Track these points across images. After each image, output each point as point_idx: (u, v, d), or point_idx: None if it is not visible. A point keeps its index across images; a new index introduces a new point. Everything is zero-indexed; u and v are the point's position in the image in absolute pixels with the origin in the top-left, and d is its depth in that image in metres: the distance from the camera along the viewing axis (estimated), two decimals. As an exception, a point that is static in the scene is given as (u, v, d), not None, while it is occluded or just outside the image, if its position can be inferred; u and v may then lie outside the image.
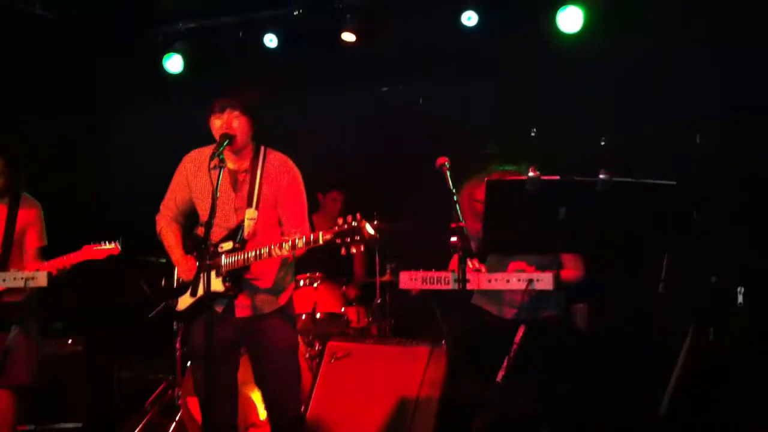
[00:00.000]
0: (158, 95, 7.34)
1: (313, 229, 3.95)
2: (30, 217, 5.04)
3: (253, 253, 3.96)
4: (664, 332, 4.54)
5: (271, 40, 6.89)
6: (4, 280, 4.53)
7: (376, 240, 3.73)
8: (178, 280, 4.29)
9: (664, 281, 4.55)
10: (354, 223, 3.69)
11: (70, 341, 6.06)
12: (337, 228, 3.71)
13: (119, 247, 4.98)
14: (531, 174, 3.30)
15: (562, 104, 6.04)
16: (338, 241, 3.71)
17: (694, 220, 4.43)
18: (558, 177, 3.33)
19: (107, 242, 4.99)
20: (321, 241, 3.77)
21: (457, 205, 3.68)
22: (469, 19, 6.30)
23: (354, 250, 3.71)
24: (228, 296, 4.08)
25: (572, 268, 4.10)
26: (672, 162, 5.24)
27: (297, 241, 3.82)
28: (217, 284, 4.04)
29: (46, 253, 5.05)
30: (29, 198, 5.11)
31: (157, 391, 6.08)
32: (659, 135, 5.54)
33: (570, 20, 5.97)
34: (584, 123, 5.65)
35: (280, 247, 3.85)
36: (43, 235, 5.10)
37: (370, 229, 3.69)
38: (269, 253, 3.90)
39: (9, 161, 4.93)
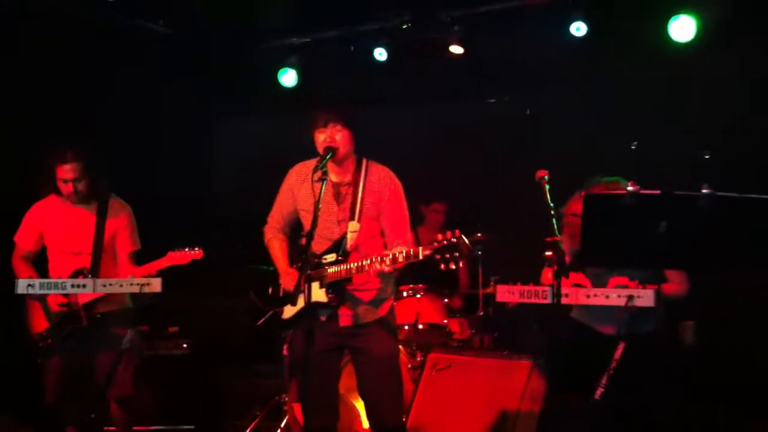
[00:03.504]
0: (271, 107, 7.57)
1: (417, 242, 3.98)
2: (119, 222, 5.00)
3: (355, 266, 4.02)
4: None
5: (380, 54, 7.00)
6: (121, 285, 4.50)
7: (475, 254, 3.71)
8: (284, 290, 4.36)
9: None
10: (453, 239, 3.69)
11: (185, 345, 6.26)
12: (436, 244, 3.73)
13: (202, 251, 5.00)
14: (630, 188, 3.23)
15: (668, 115, 5.88)
16: (437, 257, 3.72)
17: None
18: (658, 191, 3.25)
19: (191, 248, 4.99)
20: (420, 257, 3.80)
21: (554, 219, 3.64)
22: (578, 29, 6.24)
23: (453, 267, 3.72)
24: (330, 306, 4.16)
25: (676, 283, 3.98)
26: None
27: (397, 255, 3.86)
28: (320, 295, 4.12)
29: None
30: (118, 202, 5.08)
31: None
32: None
33: (682, 29, 5.83)
34: (688, 135, 5.49)
35: (381, 262, 3.90)
36: (135, 239, 5.07)
37: (468, 244, 3.67)
38: (370, 267, 3.95)
39: (88, 166, 4.88)
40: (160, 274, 4.84)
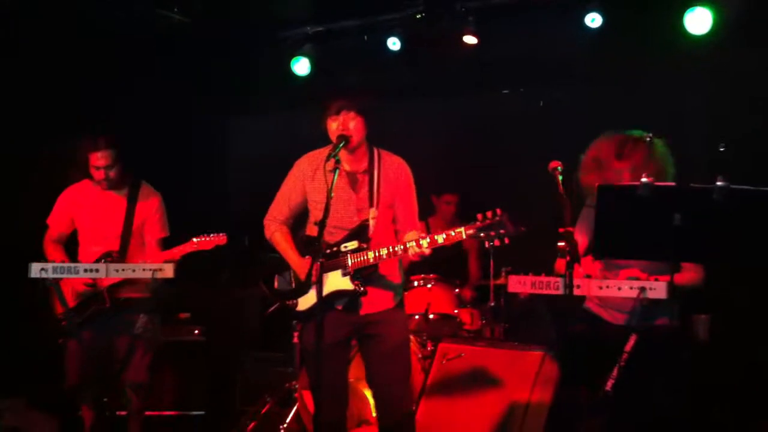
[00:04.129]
0: (284, 97, 7.57)
1: (428, 232, 3.97)
2: (149, 209, 5.07)
3: (386, 251, 3.98)
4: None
5: (394, 43, 6.98)
6: (133, 271, 4.53)
7: (522, 232, 3.72)
8: (296, 281, 4.32)
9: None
10: (497, 218, 3.70)
11: (196, 331, 6.29)
12: (479, 223, 3.73)
13: (226, 237, 5.04)
14: (644, 180, 3.22)
15: (683, 108, 5.85)
16: (482, 235, 3.73)
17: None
18: (673, 183, 3.25)
19: (214, 233, 5.04)
20: (464, 236, 3.79)
21: (567, 211, 3.64)
22: (593, 21, 6.21)
23: (498, 244, 3.73)
24: (357, 294, 4.11)
25: (691, 271, 3.95)
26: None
27: (437, 237, 3.84)
28: (344, 283, 4.10)
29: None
30: (149, 188, 5.14)
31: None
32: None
33: (698, 22, 5.80)
34: (702, 128, 5.46)
35: (419, 244, 3.87)
36: (164, 225, 5.13)
37: (513, 223, 3.69)
38: (404, 251, 3.91)
39: (120, 154, 4.95)
40: (184, 259, 4.92)
